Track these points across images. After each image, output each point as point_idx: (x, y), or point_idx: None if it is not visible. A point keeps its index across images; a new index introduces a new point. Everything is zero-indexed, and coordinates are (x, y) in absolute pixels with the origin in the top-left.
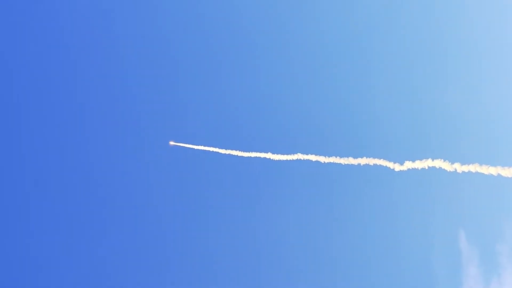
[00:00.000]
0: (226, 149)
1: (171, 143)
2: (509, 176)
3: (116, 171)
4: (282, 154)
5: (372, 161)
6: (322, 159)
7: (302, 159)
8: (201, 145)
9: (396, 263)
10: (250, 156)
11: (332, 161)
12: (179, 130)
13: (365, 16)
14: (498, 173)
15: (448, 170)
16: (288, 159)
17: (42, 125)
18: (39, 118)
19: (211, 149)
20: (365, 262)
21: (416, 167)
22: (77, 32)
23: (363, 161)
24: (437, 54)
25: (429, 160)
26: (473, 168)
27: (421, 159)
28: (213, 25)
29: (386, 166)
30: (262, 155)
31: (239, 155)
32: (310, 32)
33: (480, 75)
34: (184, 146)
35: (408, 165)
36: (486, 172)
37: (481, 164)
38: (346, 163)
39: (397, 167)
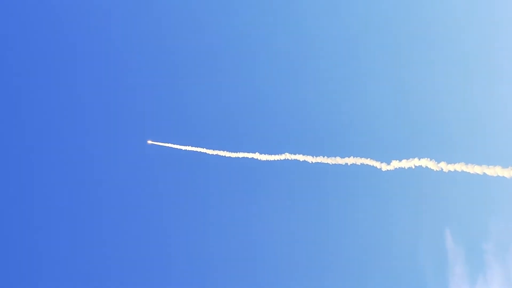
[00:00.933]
0: (213, 150)
1: (149, 142)
2: (494, 175)
3: (93, 168)
4: (269, 154)
5: (359, 161)
6: (310, 159)
7: (290, 159)
8: (188, 145)
9: (383, 262)
10: (238, 157)
11: (319, 161)
12: (167, 130)
13: (350, 17)
14: (484, 172)
15: (434, 170)
16: (276, 159)
17: (20, 124)
18: (16, 117)
19: (198, 149)
20: (353, 261)
21: (403, 167)
22: (54, 32)
23: (350, 160)
24: (425, 56)
25: (416, 159)
26: (458, 167)
27: (407, 159)
28: (198, 24)
29: (373, 166)
30: (250, 155)
31: (226, 155)
32: (295, 33)
33: (467, 76)
34: (163, 145)
35: (394, 164)
36: (471, 171)
37: (466, 163)
38: (333, 162)
39: (384, 167)
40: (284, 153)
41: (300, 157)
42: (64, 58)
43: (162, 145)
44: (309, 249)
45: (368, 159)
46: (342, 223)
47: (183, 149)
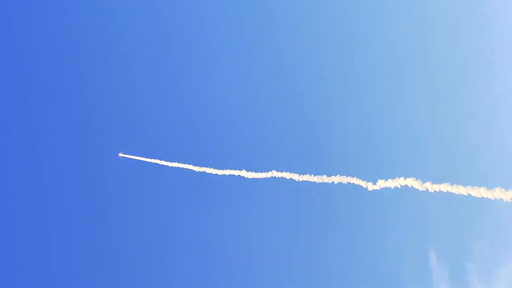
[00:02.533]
0: (199, 166)
1: (120, 154)
2: (479, 197)
3: (63, 178)
4: (256, 171)
5: (345, 180)
6: (296, 177)
7: (277, 176)
8: (174, 162)
9: (367, 281)
10: (224, 174)
11: (306, 179)
12: (153, 146)
13: (336, 36)
14: (469, 193)
15: (420, 189)
16: (262, 176)
17: None
18: None
19: (184, 166)
20: (337, 280)
21: (389, 186)
22: (26, 43)
23: (336, 179)
24: (411, 75)
25: (401, 178)
26: (444, 187)
27: (393, 178)
28: (176, 33)
29: (359, 185)
30: (236, 172)
31: (213, 172)
32: (284, 51)
33: (452, 96)
34: (134, 159)
35: (380, 183)
36: (456, 192)
37: (452, 184)
38: (320, 181)
39: (370, 186)
40: (271, 171)
41: (286, 175)
42: (34, 70)
43: (134, 158)
44: (293, 267)
45: (354, 178)
46: (326, 242)
47: (163, 164)
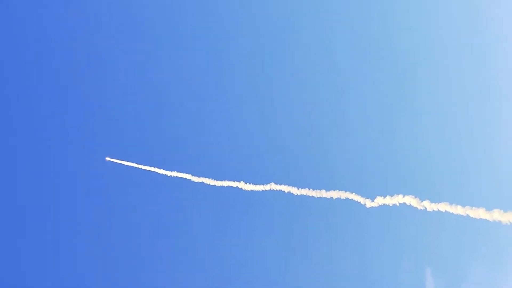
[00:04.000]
0: (198, 177)
1: (107, 159)
2: (477, 218)
3: (49, 180)
4: (254, 183)
5: (343, 195)
6: (295, 190)
7: (275, 189)
8: (173, 171)
9: None
10: (223, 185)
11: (304, 193)
12: (153, 154)
13: (335, 49)
14: (467, 214)
15: (418, 208)
16: (261, 189)
17: None
18: None
19: (183, 175)
20: None
21: (387, 203)
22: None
23: (335, 194)
24: (409, 90)
25: (400, 196)
26: (442, 207)
27: (391, 195)
28: (170, 37)
29: (357, 201)
30: (235, 184)
31: (211, 183)
32: (282, 63)
33: (452, 113)
34: (121, 163)
35: (379, 200)
36: (454, 212)
37: (450, 204)
38: (318, 195)
39: (368, 203)
40: (269, 183)
41: (285, 188)
42: (18, 70)
43: (121, 163)
44: (289, 281)
45: (353, 193)
46: (322, 258)
47: (162, 173)
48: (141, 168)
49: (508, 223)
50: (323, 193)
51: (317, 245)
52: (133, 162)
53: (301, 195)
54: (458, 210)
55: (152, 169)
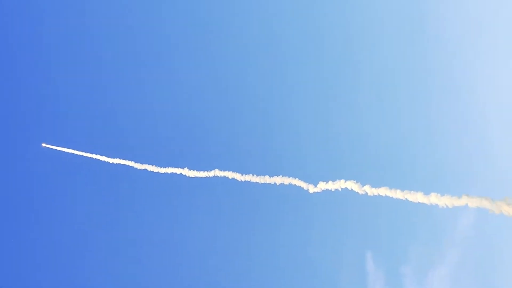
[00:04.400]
0: (141, 164)
1: (43, 145)
2: (416, 201)
3: None
4: (198, 170)
5: (287, 180)
6: (239, 176)
7: (219, 176)
8: (115, 158)
9: (303, 283)
10: (166, 172)
11: (248, 179)
12: (96, 140)
13: (280, 43)
14: (406, 198)
15: (359, 193)
16: (205, 175)
17: None
18: None
19: (126, 162)
20: (272, 282)
21: (329, 188)
22: None
23: (278, 180)
24: (356, 81)
25: (342, 181)
26: (382, 191)
27: (334, 180)
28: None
29: (300, 187)
30: (178, 170)
31: (154, 170)
32: (233, 53)
33: (396, 101)
34: (57, 149)
35: (321, 186)
36: (394, 196)
37: (390, 188)
38: (262, 181)
39: (311, 188)
40: (213, 170)
41: (229, 174)
42: None
43: (58, 149)
44: (232, 268)
45: (296, 179)
46: (263, 242)
47: (103, 160)
48: (81, 155)
49: (445, 206)
50: (266, 179)
51: (261, 230)
52: (72, 149)
53: (245, 181)
54: (397, 194)
55: (93, 156)
